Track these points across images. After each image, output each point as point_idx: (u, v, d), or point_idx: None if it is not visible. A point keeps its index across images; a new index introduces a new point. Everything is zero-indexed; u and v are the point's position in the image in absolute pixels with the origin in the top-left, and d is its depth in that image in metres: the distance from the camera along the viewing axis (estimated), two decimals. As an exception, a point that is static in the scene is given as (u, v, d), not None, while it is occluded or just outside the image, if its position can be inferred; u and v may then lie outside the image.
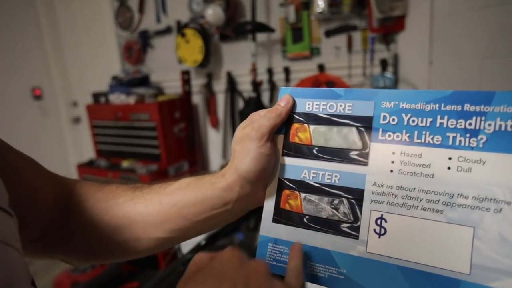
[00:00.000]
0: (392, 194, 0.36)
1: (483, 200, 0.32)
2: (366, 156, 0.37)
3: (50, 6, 2.75)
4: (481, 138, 0.33)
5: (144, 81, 2.12)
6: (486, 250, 0.31)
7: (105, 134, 2.17)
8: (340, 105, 0.40)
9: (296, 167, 0.41)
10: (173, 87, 2.16)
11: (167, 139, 1.93)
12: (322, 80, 1.64)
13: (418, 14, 1.43)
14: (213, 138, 2.18)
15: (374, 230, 0.36)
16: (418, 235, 0.34)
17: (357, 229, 0.37)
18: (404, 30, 1.48)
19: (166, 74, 2.21)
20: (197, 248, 1.22)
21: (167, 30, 2.13)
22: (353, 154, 0.38)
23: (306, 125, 0.41)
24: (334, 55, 1.65)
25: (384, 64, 1.53)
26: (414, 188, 0.35)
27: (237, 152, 0.42)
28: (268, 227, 0.41)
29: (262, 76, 1.82)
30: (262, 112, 0.43)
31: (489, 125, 0.32)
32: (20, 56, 2.64)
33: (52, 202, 0.44)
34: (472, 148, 0.33)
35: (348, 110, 0.39)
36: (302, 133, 0.41)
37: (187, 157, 2.09)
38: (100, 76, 2.57)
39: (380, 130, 0.37)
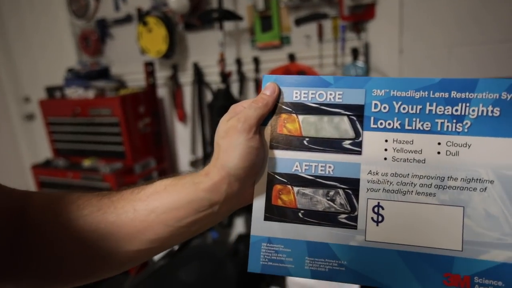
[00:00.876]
0: (387, 181, 0.37)
1: (470, 181, 0.35)
2: (359, 145, 0.38)
3: (-7, -8, 2.50)
4: (466, 123, 0.35)
5: (103, 73, 1.97)
6: (474, 227, 0.34)
7: (62, 132, 2.00)
8: (330, 94, 0.39)
9: (287, 160, 0.39)
10: (136, 79, 2.03)
11: (131, 135, 1.81)
12: (293, 70, 1.60)
13: (387, 2, 1.42)
14: (181, 133, 2.08)
15: (372, 218, 0.37)
16: (414, 219, 0.36)
17: (355, 219, 0.37)
18: (374, 18, 1.47)
19: (128, 66, 2.08)
20: (171, 254, 1.15)
21: (127, 19, 1.99)
22: (346, 144, 0.38)
23: (294, 115, 0.39)
24: (305, 44, 1.61)
25: (355, 53, 1.51)
26: (408, 174, 0.36)
27: (222, 147, 0.37)
28: (259, 226, 0.39)
29: (231, 67, 1.74)
30: (246, 102, 0.39)
31: (473, 110, 0.35)
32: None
33: (1, 222, 0.36)
34: (458, 133, 0.35)
35: (339, 98, 0.39)
36: (291, 124, 0.39)
37: (154, 154, 1.99)
38: (54, 69, 2.37)
39: (372, 118, 0.37)
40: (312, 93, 0.39)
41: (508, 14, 1.26)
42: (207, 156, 1.89)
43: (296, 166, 0.39)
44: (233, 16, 1.59)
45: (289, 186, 0.39)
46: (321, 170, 0.38)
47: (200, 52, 1.86)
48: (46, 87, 2.08)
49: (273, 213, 0.39)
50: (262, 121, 0.39)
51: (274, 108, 0.39)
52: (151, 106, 1.94)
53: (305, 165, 0.39)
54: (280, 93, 0.40)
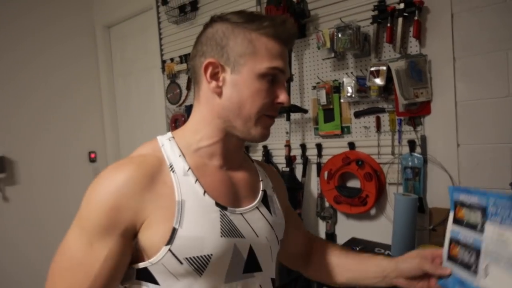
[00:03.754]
0: (494, 252, 0.60)
1: None
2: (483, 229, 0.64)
3: (111, 81, 3.16)
4: None
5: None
6: None
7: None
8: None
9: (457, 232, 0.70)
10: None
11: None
12: (352, 158, 1.74)
13: (442, 101, 1.53)
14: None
15: (483, 271, 0.62)
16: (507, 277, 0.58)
17: (476, 270, 0.63)
18: (430, 114, 1.57)
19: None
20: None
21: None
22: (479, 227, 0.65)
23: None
24: (364, 134, 1.76)
25: (412, 144, 1.61)
26: (503, 251, 0.59)
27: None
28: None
29: (296, 151, 1.95)
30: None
31: None
32: (82, 123, 3.00)
33: (303, 242, 0.92)
34: None
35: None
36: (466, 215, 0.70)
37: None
38: (148, 143, 2.83)
39: (490, 214, 0.62)
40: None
41: None
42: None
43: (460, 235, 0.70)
44: (299, 109, 1.83)
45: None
46: (469, 240, 0.67)
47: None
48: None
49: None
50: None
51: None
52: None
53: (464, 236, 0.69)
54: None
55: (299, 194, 1.86)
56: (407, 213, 1.46)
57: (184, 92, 2.53)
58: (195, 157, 0.69)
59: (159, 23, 2.65)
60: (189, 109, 2.49)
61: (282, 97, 0.68)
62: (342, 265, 0.85)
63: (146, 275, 0.64)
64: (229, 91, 0.66)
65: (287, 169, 1.86)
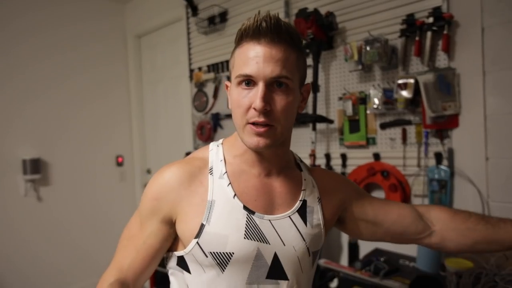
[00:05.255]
0: None
1: None
2: None
3: (139, 88, 3.28)
4: None
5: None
6: None
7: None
8: None
9: None
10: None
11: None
12: (377, 169, 1.75)
13: (471, 114, 1.53)
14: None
15: None
16: None
17: None
18: (458, 127, 1.57)
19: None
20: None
21: (236, 114, 2.42)
22: None
23: None
24: (389, 145, 1.77)
25: (438, 157, 1.61)
26: None
27: None
28: None
29: (320, 161, 1.97)
30: None
31: None
32: (111, 128, 3.12)
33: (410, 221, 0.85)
34: None
35: None
36: None
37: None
38: (174, 149, 2.92)
39: None
40: None
41: None
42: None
43: None
44: (324, 119, 1.86)
45: None
46: None
47: (294, 144, 2.14)
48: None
49: None
50: None
51: None
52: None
53: None
54: None
55: (323, 203, 1.87)
56: (434, 226, 1.45)
57: (211, 100, 2.60)
58: (235, 163, 0.75)
59: (188, 33, 2.75)
60: (215, 116, 2.55)
61: (255, 103, 0.64)
62: (470, 232, 0.82)
63: (183, 263, 0.73)
64: (229, 99, 0.73)
65: (312, 178, 1.88)
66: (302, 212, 0.76)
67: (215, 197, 0.69)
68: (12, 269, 2.47)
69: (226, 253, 0.67)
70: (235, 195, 0.70)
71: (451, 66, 1.57)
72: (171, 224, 0.72)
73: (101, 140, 3.04)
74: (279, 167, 0.77)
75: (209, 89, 2.62)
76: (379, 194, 1.79)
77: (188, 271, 0.72)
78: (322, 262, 1.72)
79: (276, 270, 0.70)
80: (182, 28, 2.79)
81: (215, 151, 0.77)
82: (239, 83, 0.67)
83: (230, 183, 0.71)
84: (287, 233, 0.72)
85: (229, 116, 2.47)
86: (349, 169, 1.89)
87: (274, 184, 0.75)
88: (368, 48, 1.67)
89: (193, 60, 2.74)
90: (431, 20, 1.55)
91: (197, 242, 0.67)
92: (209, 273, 0.69)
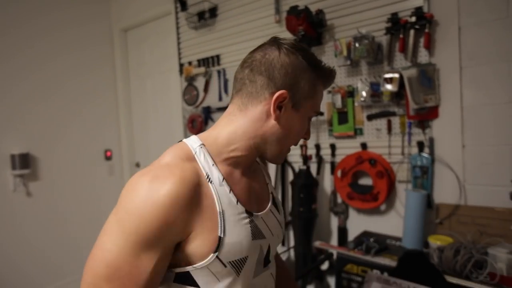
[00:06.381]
0: None
1: None
2: None
3: (127, 83, 3.28)
4: None
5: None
6: None
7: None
8: None
9: None
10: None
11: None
12: (365, 157, 1.88)
13: (449, 106, 1.68)
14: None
15: None
16: None
17: None
18: (438, 117, 1.72)
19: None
20: None
21: (227, 107, 2.50)
22: None
23: None
24: (375, 135, 1.91)
25: (421, 145, 1.76)
26: None
27: None
28: None
29: (311, 151, 2.09)
30: None
31: None
32: (99, 123, 3.12)
33: None
34: None
35: None
36: None
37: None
38: (164, 142, 2.97)
39: None
40: None
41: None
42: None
43: None
44: (315, 111, 1.97)
45: None
46: None
47: (284, 136, 2.25)
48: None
49: None
50: None
51: None
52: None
53: None
54: None
55: (314, 190, 1.99)
56: (418, 208, 1.60)
57: (202, 94, 2.66)
58: (224, 165, 0.72)
59: (177, 28, 2.78)
60: (206, 110, 2.62)
61: (308, 135, 0.79)
62: None
63: (186, 279, 0.67)
64: (284, 121, 0.71)
65: (304, 167, 2.00)
66: (274, 202, 0.84)
67: (224, 206, 0.67)
68: (1, 264, 2.46)
69: (242, 258, 0.68)
70: (237, 200, 0.69)
71: (431, 61, 1.71)
72: (177, 244, 0.65)
73: (90, 134, 3.04)
74: (254, 166, 0.83)
75: (200, 83, 2.68)
76: (367, 181, 1.93)
77: (195, 285, 0.67)
78: (317, 244, 1.85)
79: (267, 258, 0.77)
80: (171, 23, 2.82)
81: (202, 154, 0.70)
82: (310, 117, 0.76)
83: (231, 189, 0.69)
84: (272, 224, 0.78)
85: (220, 109, 2.54)
86: (338, 158, 2.02)
87: (253, 182, 0.78)
88: (357, 45, 1.79)
89: (182, 55, 2.78)
90: (413, 19, 1.69)
91: (217, 256, 0.65)
92: (225, 281, 0.68)
